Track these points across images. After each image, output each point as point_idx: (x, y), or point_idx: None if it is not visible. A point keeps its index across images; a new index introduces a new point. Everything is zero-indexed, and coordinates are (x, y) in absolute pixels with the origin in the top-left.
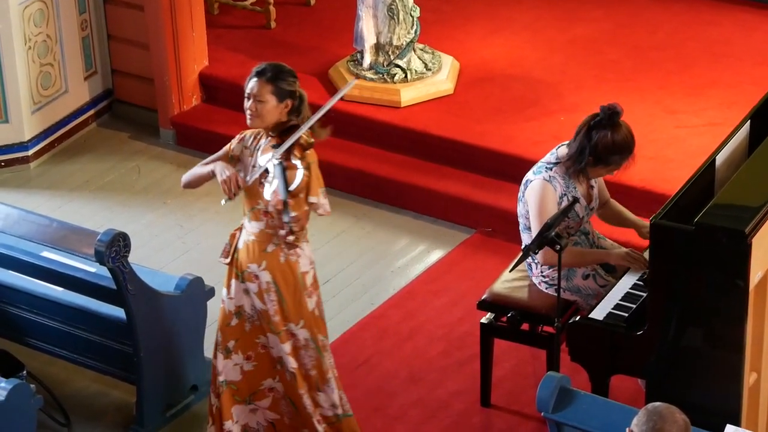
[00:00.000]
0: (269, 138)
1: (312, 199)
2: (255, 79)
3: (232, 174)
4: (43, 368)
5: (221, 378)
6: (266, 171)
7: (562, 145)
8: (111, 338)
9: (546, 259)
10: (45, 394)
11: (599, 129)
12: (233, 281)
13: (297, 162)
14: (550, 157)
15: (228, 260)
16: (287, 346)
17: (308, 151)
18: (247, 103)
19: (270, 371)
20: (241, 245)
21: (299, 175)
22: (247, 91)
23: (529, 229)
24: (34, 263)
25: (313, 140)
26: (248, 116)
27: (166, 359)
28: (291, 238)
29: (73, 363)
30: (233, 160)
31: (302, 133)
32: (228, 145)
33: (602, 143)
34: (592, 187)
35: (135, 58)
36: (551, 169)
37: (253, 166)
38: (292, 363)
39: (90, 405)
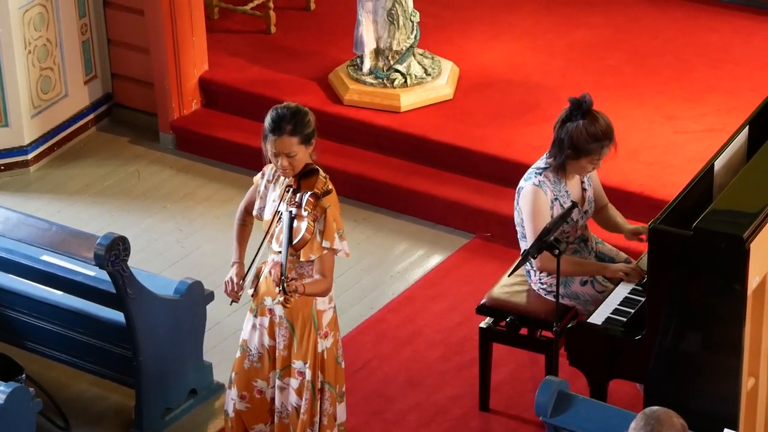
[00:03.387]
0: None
1: (325, 244)
2: (276, 138)
3: (228, 280)
4: (42, 372)
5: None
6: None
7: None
8: (110, 342)
9: (542, 265)
10: (44, 398)
11: (572, 120)
12: (248, 314)
13: (306, 214)
14: (539, 162)
15: (252, 290)
16: (295, 382)
17: (325, 197)
18: (278, 161)
19: (263, 416)
20: (263, 278)
21: (303, 228)
22: (274, 150)
23: (525, 237)
24: (34, 267)
25: (330, 187)
26: (282, 172)
27: (165, 363)
28: (280, 298)
29: (72, 366)
30: (261, 196)
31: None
32: (255, 179)
33: (576, 133)
34: (585, 189)
35: (135, 62)
36: (540, 174)
37: (273, 201)
38: (294, 401)
39: (89, 409)
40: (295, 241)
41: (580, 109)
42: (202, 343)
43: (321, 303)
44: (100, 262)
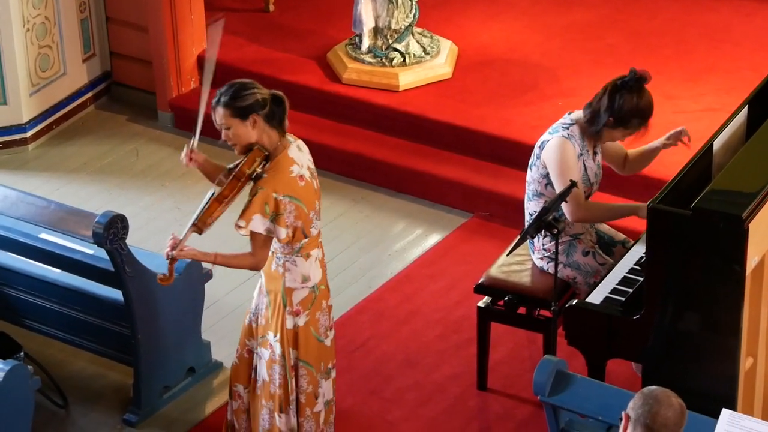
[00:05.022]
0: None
1: (240, 222)
2: (214, 106)
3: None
4: (40, 350)
5: None
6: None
7: (573, 112)
8: (108, 320)
9: (577, 214)
10: (42, 376)
11: (625, 91)
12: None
13: (223, 194)
14: (564, 119)
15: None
16: (266, 353)
17: (261, 180)
18: (222, 135)
19: (244, 377)
20: None
21: (207, 206)
22: (215, 121)
23: (539, 195)
24: (32, 245)
25: (259, 170)
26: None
27: (163, 341)
28: (167, 256)
29: (70, 344)
30: None
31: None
32: None
33: (627, 105)
34: (596, 153)
35: (133, 40)
36: (568, 128)
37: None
38: (264, 373)
39: (87, 386)
40: (197, 221)
41: (638, 83)
42: (200, 322)
43: (290, 281)
44: (98, 240)
